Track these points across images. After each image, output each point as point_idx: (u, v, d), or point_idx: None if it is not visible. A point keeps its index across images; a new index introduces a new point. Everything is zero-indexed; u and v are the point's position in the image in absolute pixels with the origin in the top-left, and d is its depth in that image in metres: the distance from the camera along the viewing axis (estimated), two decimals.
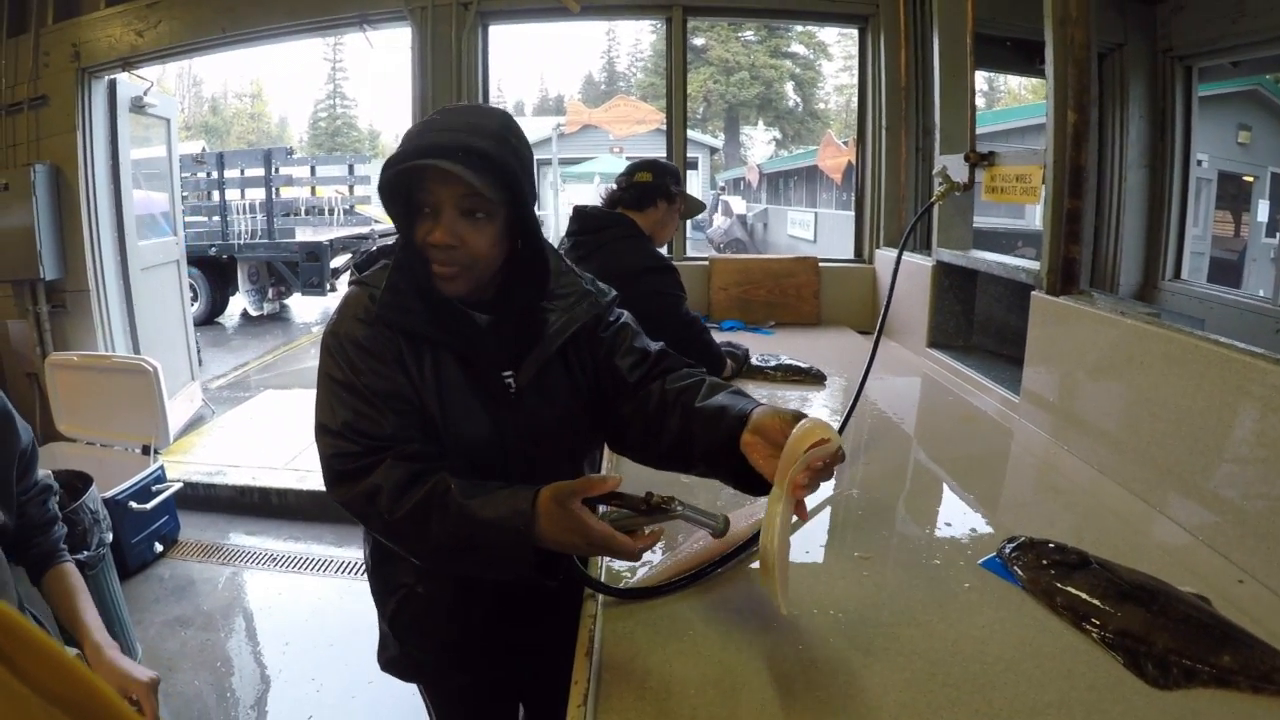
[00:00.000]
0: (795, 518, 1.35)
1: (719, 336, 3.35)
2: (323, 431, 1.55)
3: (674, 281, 3.13)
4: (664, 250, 3.68)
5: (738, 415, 1.51)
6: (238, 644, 4.18)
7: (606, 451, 2.44)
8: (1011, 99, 32.01)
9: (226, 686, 3.76)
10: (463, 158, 1.45)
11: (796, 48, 44.62)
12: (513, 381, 1.65)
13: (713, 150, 35.60)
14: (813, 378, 3.22)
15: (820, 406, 2.94)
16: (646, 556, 1.52)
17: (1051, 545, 1.62)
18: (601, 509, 1.43)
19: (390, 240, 1.70)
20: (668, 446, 1.67)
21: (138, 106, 6.44)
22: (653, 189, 3.35)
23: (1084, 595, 1.46)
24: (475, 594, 1.74)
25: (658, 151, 5.11)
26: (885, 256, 4.55)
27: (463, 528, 1.42)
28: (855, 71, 5.15)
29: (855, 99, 5.21)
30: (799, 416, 1.41)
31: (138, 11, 5.61)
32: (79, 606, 1.74)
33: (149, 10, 5.58)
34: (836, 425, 2.66)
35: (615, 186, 3.41)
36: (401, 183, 1.50)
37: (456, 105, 1.57)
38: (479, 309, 1.64)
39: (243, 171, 14.54)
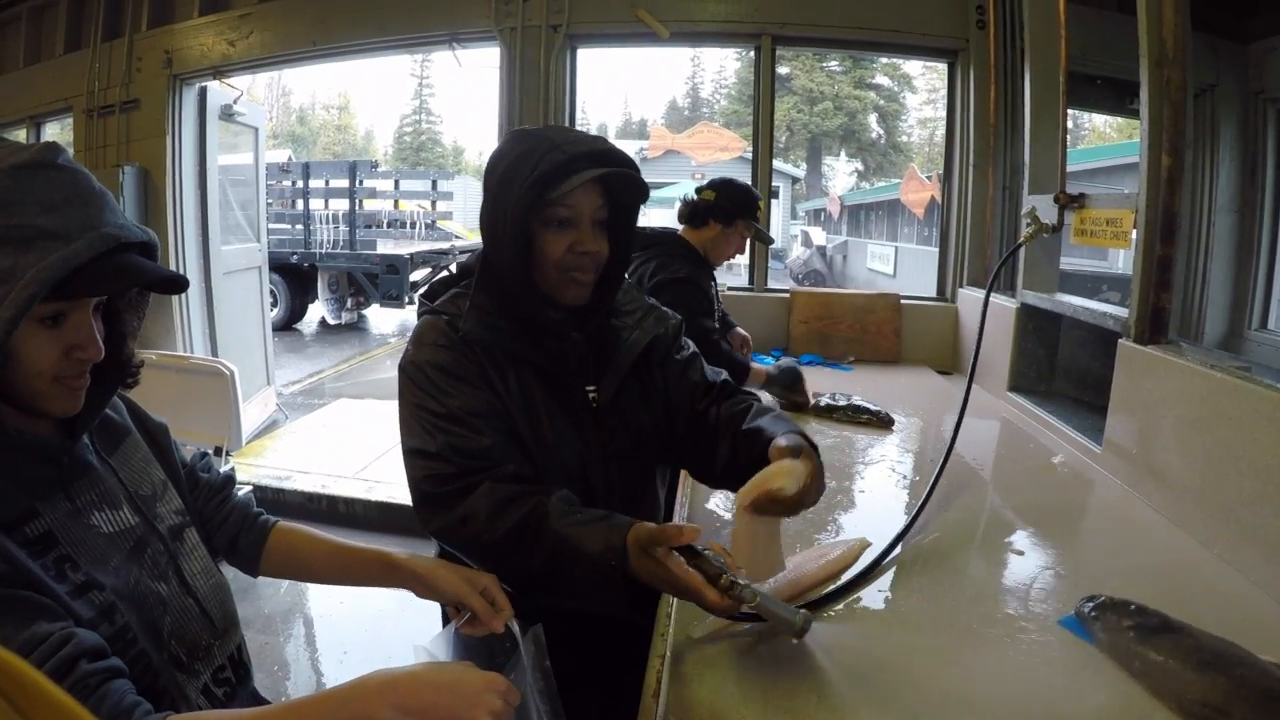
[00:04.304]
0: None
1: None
2: (418, 456, 1.53)
3: (689, 294, 3.12)
4: (722, 269, 3.63)
5: (768, 440, 1.55)
6: (295, 650, 4.22)
7: (681, 481, 2.41)
8: (1097, 137, 31.47)
9: (281, 690, 3.79)
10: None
11: (881, 79, 44.44)
12: (595, 397, 1.65)
13: (794, 180, 35.57)
14: (880, 422, 3.10)
15: (892, 447, 2.89)
16: None
17: (1133, 607, 1.55)
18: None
19: (465, 259, 1.74)
20: (721, 469, 1.72)
21: (227, 114, 6.62)
22: (707, 208, 3.37)
23: (1163, 661, 1.39)
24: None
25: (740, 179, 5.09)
26: (968, 296, 4.47)
27: (558, 557, 1.41)
28: (939, 105, 5.10)
29: (939, 133, 5.15)
30: (796, 453, 1.47)
31: (230, 22, 5.78)
32: (334, 542, 1.55)
33: (241, 21, 5.75)
34: (912, 480, 2.62)
35: None
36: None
37: (542, 129, 1.58)
38: (561, 324, 1.63)
39: (327, 182, 14.82)
